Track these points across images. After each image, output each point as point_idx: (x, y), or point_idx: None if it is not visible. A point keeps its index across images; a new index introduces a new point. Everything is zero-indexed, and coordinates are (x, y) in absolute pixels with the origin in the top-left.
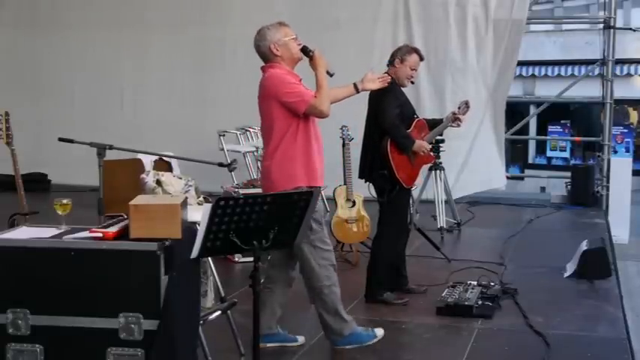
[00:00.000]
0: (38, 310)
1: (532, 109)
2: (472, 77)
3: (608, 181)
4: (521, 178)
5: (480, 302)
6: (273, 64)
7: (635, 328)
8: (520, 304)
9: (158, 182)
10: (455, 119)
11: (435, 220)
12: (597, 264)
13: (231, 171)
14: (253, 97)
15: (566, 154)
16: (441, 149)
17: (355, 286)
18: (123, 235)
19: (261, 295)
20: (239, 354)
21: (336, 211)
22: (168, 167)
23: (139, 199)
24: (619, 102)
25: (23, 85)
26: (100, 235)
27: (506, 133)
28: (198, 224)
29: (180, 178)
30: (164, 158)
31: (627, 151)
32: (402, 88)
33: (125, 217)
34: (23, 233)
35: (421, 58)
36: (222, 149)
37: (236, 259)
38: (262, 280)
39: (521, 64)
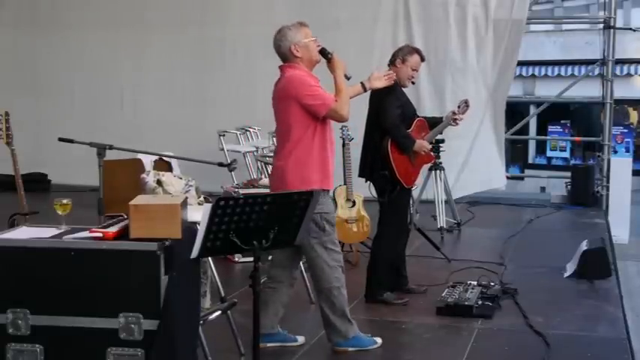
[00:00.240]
0: (38, 310)
1: (532, 109)
2: (472, 77)
3: (608, 181)
4: (521, 178)
5: (479, 302)
6: (293, 65)
7: (635, 328)
8: (520, 304)
9: (159, 182)
10: (453, 119)
11: (435, 220)
12: (597, 264)
13: (231, 171)
14: (253, 97)
15: (566, 154)
16: (441, 149)
17: (355, 286)
18: (123, 235)
19: (265, 294)
20: (239, 354)
21: (336, 211)
22: (168, 167)
23: (139, 199)
24: (619, 102)
25: (23, 85)
26: (100, 235)
27: (506, 133)
28: (198, 224)
29: (181, 178)
30: (164, 158)
31: (627, 151)
32: (403, 89)
33: (125, 217)
34: (23, 233)
35: (422, 59)
36: (222, 149)
37: (236, 259)
38: (265, 280)
39: (521, 64)
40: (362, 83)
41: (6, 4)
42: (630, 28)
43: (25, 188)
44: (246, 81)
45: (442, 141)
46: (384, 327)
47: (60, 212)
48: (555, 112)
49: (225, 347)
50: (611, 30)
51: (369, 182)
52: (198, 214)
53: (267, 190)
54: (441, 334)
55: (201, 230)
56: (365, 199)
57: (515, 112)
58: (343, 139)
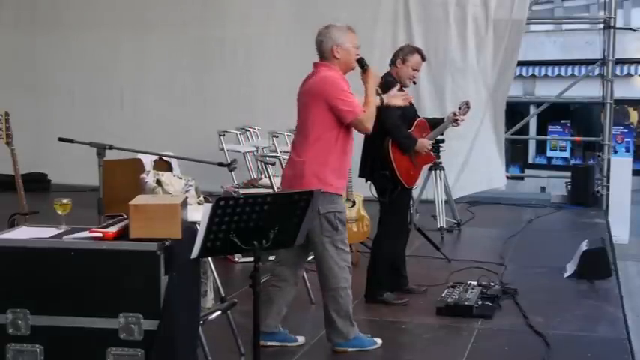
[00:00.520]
0: (38, 310)
1: (532, 109)
2: (472, 77)
3: (608, 181)
4: (521, 178)
5: (480, 302)
6: (329, 65)
7: (635, 328)
8: (520, 304)
9: (158, 182)
10: (454, 120)
11: (435, 220)
12: (597, 264)
13: (231, 171)
14: (253, 97)
15: (566, 154)
16: (441, 149)
17: (355, 286)
18: (123, 235)
19: (269, 292)
20: (239, 354)
21: None
22: (168, 167)
23: (139, 199)
24: (619, 102)
25: (23, 85)
26: (100, 235)
27: (506, 133)
28: (198, 224)
29: (181, 178)
30: (164, 158)
31: (627, 151)
32: (404, 88)
33: (125, 217)
34: (23, 233)
35: (423, 59)
36: (222, 149)
37: (236, 259)
38: (269, 278)
39: (521, 64)
40: (380, 96)
41: (6, 4)
42: (630, 28)
43: (25, 188)
44: (246, 81)
45: (442, 141)
46: (384, 327)
47: (60, 212)
48: (555, 112)
49: (225, 347)
50: (611, 30)
51: (369, 182)
52: (198, 214)
53: (267, 190)
54: (441, 334)
55: (201, 230)
56: (365, 199)
57: (515, 112)
58: None
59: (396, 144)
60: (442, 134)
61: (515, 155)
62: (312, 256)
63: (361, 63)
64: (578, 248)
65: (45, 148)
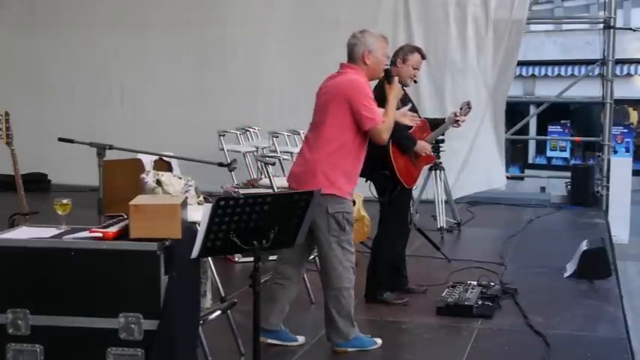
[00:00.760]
0: (38, 310)
1: (532, 109)
2: (472, 77)
3: (608, 181)
4: (521, 178)
5: (480, 302)
6: (356, 68)
7: (635, 328)
8: (520, 304)
9: (158, 182)
10: (455, 120)
11: (435, 220)
12: (597, 264)
13: (231, 171)
14: (253, 97)
15: (566, 154)
16: (441, 149)
17: (355, 286)
18: (123, 235)
19: (273, 291)
20: (239, 354)
21: None
22: (168, 167)
23: (139, 199)
24: (619, 102)
25: (23, 85)
26: (100, 235)
27: (506, 133)
28: (198, 224)
29: (180, 178)
30: (164, 158)
31: (627, 151)
32: (405, 88)
33: (125, 217)
34: (23, 233)
35: (423, 57)
36: (222, 149)
37: (236, 259)
38: (273, 275)
39: (521, 64)
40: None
41: (6, 4)
42: (630, 28)
43: (25, 188)
44: (246, 81)
45: (442, 141)
46: (384, 327)
47: (60, 212)
48: (555, 112)
49: (225, 347)
50: (611, 30)
51: (369, 182)
52: (198, 214)
53: (267, 190)
54: (441, 334)
55: (201, 230)
56: (365, 199)
57: (515, 112)
58: None
59: (396, 144)
60: (443, 134)
61: (515, 155)
62: (312, 256)
63: (388, 74)
64: (578, 248)
65: (45, 148)
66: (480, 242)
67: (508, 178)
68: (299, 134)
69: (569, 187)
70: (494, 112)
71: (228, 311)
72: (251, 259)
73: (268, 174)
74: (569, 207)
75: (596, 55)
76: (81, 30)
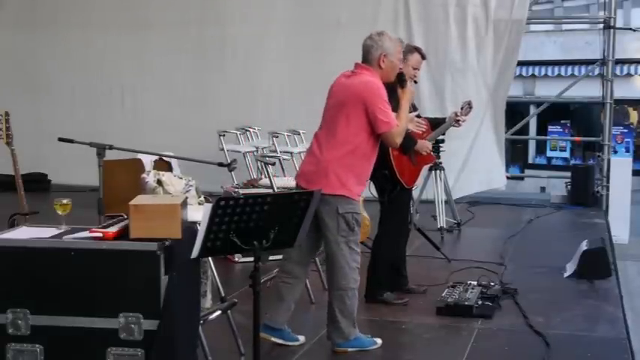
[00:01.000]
0: (38, 310)
1: (532, 109)
2: (472, 77)
3: (608, 181)
4: (521, 178)
5: (480, 302)
6: (371, 70)
7: (635, 328)
8: (520, 304)
9: (159, 182)
10: (456, 120)
11: (435, 220)
12: (597, 264)
13: (231, 171)
14: (253, 97)
15: (566, 154)
16: (441, 149)
17: None
18: (123, 235)
19: (281, 289)
20: (239, 354)
21: None
22: (168, 167)
23: (139, 199)
24: (619, 102)
25: (23, 85)
26: (100, 235)
27: (506, 133)
28: (199, 224)
29: (181, 178)
30: (164, 158)
31: (627, 151)
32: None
33: (125, 217)
34: (23, 233)
35: (423, 57)
36: (222, 149)
37: (236, 259)
38: (279, 274)
39: (521, 64)
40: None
41: (6, 4)
42: (630, 28)
43: (25, 188)
44: (246, 81)
45: (442, 141)
46: (384, 327)
47: (60, 212)
48: (555, 112)
49: (225, 347)
50: (611, 30)
51: (369, 182)
52: (198, 214)
53: (267, 190)
54: (441, 334)
55: (201, 230)
56: (365, 199)
57: (515, 112)
58: None
59: None
60: (443, 134)
61: (515, 155)
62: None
63: (401, 78)
64: (578, 248)
65: (45, 148)
66: (480, 242)
67: (508, 178)
68: (299, 134)
69: (569, 187)
70: (495, 112)
71: (229, 311)
72: (251, 259)
73: (268, 174)
74: (569, 207)
75: (596, 55)
76: (81, 29)
